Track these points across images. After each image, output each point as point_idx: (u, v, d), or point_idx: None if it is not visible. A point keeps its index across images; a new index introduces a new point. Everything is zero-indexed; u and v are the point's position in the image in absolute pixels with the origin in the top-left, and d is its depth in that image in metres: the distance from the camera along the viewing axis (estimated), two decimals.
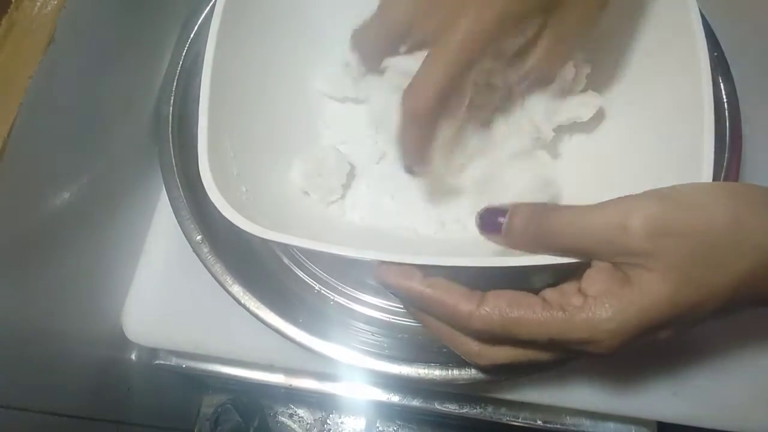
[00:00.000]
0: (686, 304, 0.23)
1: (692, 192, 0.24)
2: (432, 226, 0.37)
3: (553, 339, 0.24)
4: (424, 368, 0.34)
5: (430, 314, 0.27)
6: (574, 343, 0.24)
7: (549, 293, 0.26)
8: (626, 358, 0.39)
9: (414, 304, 0.27)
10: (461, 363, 0.34)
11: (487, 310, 0.25)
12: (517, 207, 0.27)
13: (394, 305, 0.38)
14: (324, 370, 0.41)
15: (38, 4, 0.30)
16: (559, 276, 0.28)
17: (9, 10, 0.30)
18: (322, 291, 0.39)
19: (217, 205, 0.28)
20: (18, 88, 0.29)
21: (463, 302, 0.25)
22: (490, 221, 0.27)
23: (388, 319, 0.38)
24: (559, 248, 0.25)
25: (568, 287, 0.26)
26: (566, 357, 0.26)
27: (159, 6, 0.41)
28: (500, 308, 0.24)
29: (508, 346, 0.26)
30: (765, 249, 0.23)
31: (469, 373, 0.34)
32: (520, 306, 0.24)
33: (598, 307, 0.24)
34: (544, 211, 0.26)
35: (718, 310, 0.24)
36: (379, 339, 0.36)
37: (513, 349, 0.26)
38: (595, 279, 0.25)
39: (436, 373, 0.34)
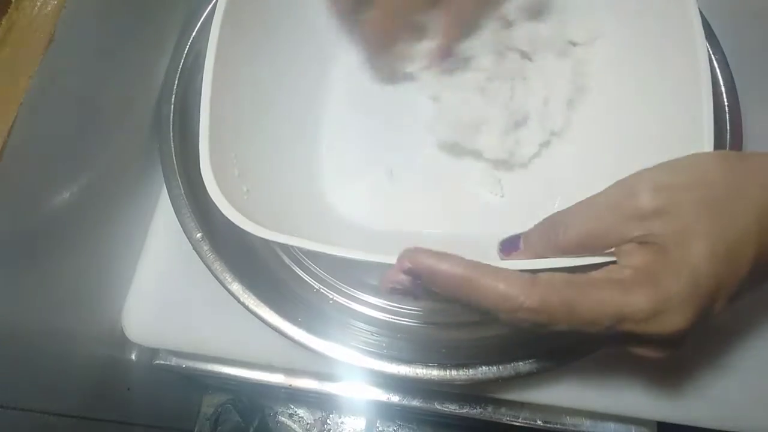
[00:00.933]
0: (724, 251, 0.23)
1: (686, 158, 0.25)
2: (435, 226, 0.37)
3: (616, 316, 0.23)
4: (422, 368, 0.34)
5: (471, 302, 0.24)
6: (639, 320, 0.23)
7: (596, 273, 0.25)
8: (626, 357, 0.39)
9: (450, 292, 0.25)
10: (459, 363, 0.34)
11: (544, 287, 0.23)
12: (531, 228, 0.28)
13: (394, 305, 0.38)
14: (324, 369, 0.41)
15: (38, 4, 0.30)
16: None
17: (9, 10, 0.30)
18: (322, 290, 0.39)
19: (218, 206, 0.28)
20: (18, 88, 0.29)
21: (513, 282, 0.23)
22: (509, 244, 0.28)
23: (387, 319, 0.38)
24: (575, 239, 0.25)
25: (612, 267, 0.25)
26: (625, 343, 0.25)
27: (160, 5, 0.41)
28: (557, 286, 0.23)
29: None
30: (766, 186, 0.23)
31: (467, 374, 0.34)
32: (577, 283, 0.23)
33: (654, 276, 0.23)
34: (553, 215, 0.26)
35: (756, 259, 0.23)
36: (379, 338, 0.36)
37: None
38: (634, 256, 0.24)
39: (434, 373, 0.34)
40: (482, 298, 0.24)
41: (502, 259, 0.28)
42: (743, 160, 0.24)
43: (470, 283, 0.24)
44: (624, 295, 0.23)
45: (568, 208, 0.26)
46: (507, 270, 0.24)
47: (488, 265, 0.24)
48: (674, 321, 0.23)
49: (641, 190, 0.24)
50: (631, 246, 0.24)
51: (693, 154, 0.26)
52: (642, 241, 0.24)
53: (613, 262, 0.25)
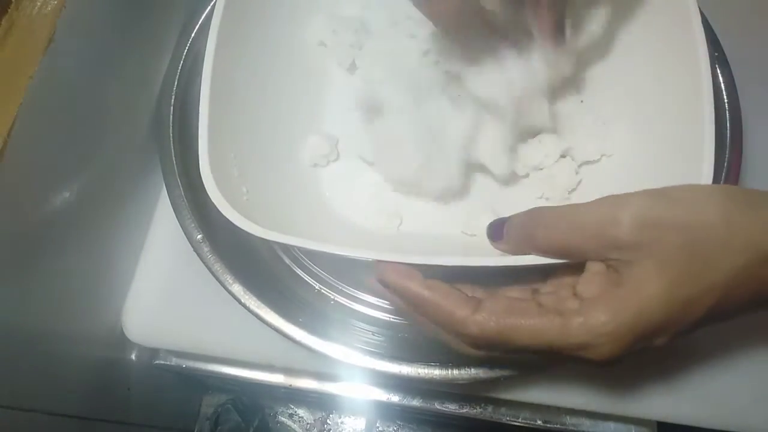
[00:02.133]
0: (680, 300, 0.23)
1: (684, 191, 0.24)
2: (433, 227, 0.37)
3: (550, 345, 0.24)
4: (424, 368, 0.34)
5: (425, 316, 0.27)
6: (571, 349, 0.24)
7: (545, 298, 0.26)
8: (626, 358, 0.39)
9: (410, 304, 0.27)
10: (461, 363, 0.34)
11: (484, 316, 0.25)
12: (516, 215, 0.27)
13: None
14: (324, 369, 0.41)
15: (38, 4, 0.30)
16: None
17: (9, 10, 0.30)
18: (323, 290, 0.39)
19: (218, 206, 0.28)
20: (18, 88, 0.29)
21: (459, 307, 0.25)
22: (496, 231, 0.28)
23: (388, 319, 0.38)
24: (553, 245, 0.25)
25: (564, 291, 0.26)
26: (560, 362, 0.26)
27: (159, 6, 0.41)
28: (496, 314, 0.24)
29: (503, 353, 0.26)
30: (757, 246, 0.23)
31: (469, 373, 0.34)
32: (516, 312, 0.24)
33: (595, 310, 0.23)
34: (537, 211, 0.26)
35: (711, 309, 0.23)
36: (380, 338, 0.36)
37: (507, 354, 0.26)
38: (590, 282, 0.25)
39: (436, 372, 0.34)
40: (433, 315, 0.26)
41: (491, 242, 0.28)
42: (744, 205, 0.24)
43: (425, 300, 0.26)
44: (559, 329, 0.24)
45: (554, 210, 0.26)
46: (458, 293, 0.26)
47: (444, 287, 0.26)
48: (603, 353, 0.24)
49: (626, 221, 0.23)
50: (598, 266, 0.25)
51: (695, 187, 0.25)
52: (610, 265, 0.25)
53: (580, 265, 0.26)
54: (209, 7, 0.41)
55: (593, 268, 0.25)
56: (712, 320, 0.24)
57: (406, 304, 0.28)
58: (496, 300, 0.25)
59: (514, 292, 0.27)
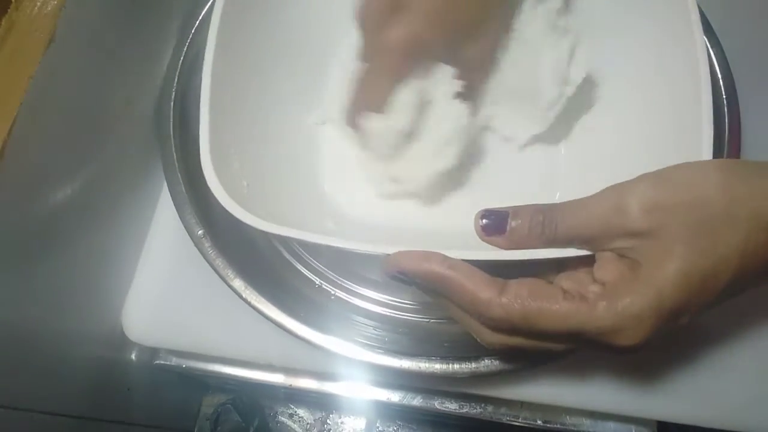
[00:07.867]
0: (696, 276, 0.23)
1: (681, 169, 0.25)
2: (434, 220, 0.37)
3: (576, 330, 0.24)
4: (425, 362, 0.34)
5: (448, 298, 0.26)
6: (597, 334, 0.24)
7: (566, 283, 0.26)
8: (627, 358, 0.39)
9: (432, 288, 0.26)
10: (461, 357, 0.34)
11: (509, 298, 0.24)
12: (518, 209, 0.27)
13: (395, 300, 0.39)
14: (324, 368, 0.40)
15: (38, 4, 0.30)
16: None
17: (9, 10, 0.30)
18: (323, 286, 0.39)
19: (219, 199, 0.28)
20: (18, 88, 0.29)
21: (483, 288, 0.25)
22: (493, 224, 0.27)
23: (388, 314, 0.38)
24: (561, 240, 0.26)
25: (584, 276, 0.26)
26: (584, 349, 0.26)
27: (159, 3, 0.41)
28: (522, 297, 0.24)
29: (524, 338, 0.25)
30: (758, 212, 0.23)
31: (469, 367, 0.34)
32: (541, 296, 0.24)
33: (619, 293, 0.23)
34: (544, 209, 0.26)
35: (729, 281, 0.23)
36: (380, 333, 0.36)
37: (528, 340, 0.26)
38: (607, 268, 0.25)
39: (436, 366, 0.34)
40: (456, 297, 0.25)
41: (480, 236, 0.27)
42: (742, 176, 0.24)
43: (448, 281, 0.25)
44: (586, 313, 0.24)
45: (560, 206, 0.26)
46: (483, 274, 0.25)
47: (467, 267, 0.25)
48: (630, 336, 0.24)
49: (631, 208, 0.24)
50: (610, 255, 0.25)
51: (692, 165, 0.25)
52: (621, 254, 0.25)
53: (591, 256, 0.26)
54: (209, 4, 0.41)
55: (606, 254, 0.25)
56: (732, 292, 0.24)
57: (428, 289, 0.27)
58: (521, 283, 0.25)
59: (533, 279, 0.27)
